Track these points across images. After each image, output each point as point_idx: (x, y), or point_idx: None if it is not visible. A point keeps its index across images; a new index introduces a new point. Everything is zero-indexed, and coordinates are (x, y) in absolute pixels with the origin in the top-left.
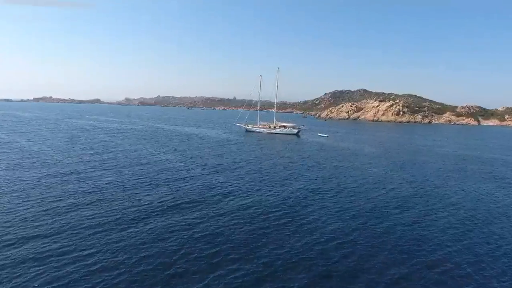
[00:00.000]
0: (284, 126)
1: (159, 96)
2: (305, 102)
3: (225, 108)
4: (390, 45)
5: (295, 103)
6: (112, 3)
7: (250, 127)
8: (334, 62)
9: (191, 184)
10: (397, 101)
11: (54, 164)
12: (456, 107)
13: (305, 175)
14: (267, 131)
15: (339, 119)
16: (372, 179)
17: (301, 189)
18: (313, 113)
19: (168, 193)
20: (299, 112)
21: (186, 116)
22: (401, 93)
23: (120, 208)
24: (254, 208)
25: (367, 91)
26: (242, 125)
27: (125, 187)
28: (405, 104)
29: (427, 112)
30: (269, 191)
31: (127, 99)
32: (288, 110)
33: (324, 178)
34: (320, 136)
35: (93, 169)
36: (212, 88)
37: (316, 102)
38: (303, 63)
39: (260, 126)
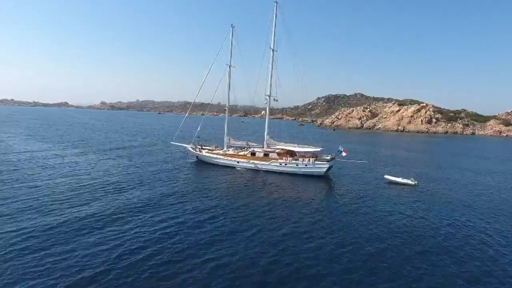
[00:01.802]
0: (293, 155)
1: (138, 100)
2: (296, 108)
3: (203, 113)
4: (387, 46)
5: (284, 108)
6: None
7: (205, 152)
8: (324, 65)
9: None
10: (423, 104)
11: None
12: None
13: None
14: (248, 165)
15: (349, 127)
16: None
17: None
18: (307, 119)
19: None
20: (290, 118)
21: (129, 126)
22: (402, 98)
23: None
24: None
25: (364, 95)
26: (188, 148)
27: None
28: (436, 109)
29: (466, 120)
30: None
31: (102, 103)
32: (278, 116)
33: None
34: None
35: None
36: (194, 92)
37: (309, 107)
38: (291, 65)
39: (229, 153)
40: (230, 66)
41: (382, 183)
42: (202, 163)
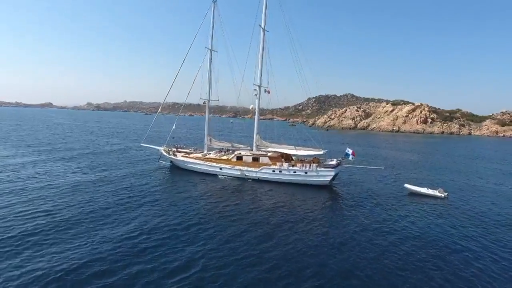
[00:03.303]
0: (290, 160)
1: (125, 101)
2: (287, 108)
3: (192, 114)
4: (378, 47)
5: (274, 109)
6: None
7: (180, 156)
8: (314, 66)
9: None
10: (418, 104)
11: None
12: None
13: None
14: (233, 172)
15: (342, 128)
16: None
17: None
18: (298, 119)
19: None
20: (281, 119)
21: (106, 126)
22: (392, 98)
23: None
24: None
25: (354, 96)
26: (161, 150)
27: None
28: (431, 109)
29: (462, 120)
30: None
31: (88, 104)
32: (268, 116)
33: None
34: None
35: None
36: (183, 93)
37: (300, 107)
38: (286, 59)
39: (210, 157)
40: (211, 50)
41: (402, 195)
42: (176, 170)
